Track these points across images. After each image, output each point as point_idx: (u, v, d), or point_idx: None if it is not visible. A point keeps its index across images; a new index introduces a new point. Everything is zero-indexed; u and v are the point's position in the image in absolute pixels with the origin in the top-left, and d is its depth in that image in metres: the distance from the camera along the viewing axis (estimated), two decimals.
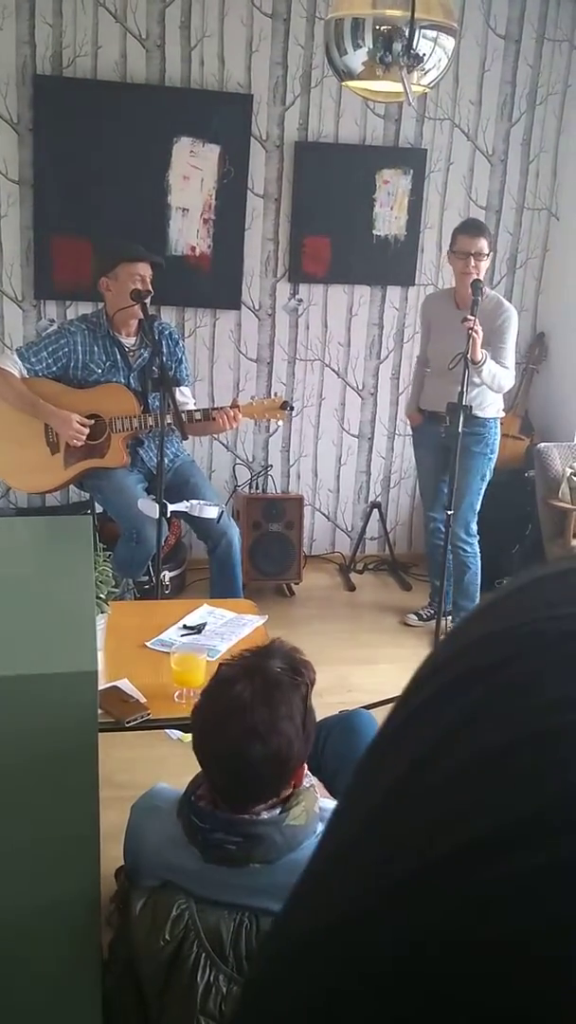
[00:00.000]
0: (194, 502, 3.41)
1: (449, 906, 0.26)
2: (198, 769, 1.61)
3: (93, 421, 3.59)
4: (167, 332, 3.76)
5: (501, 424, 4.01)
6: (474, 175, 4.70)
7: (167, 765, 2.66)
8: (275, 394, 4.48)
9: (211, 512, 3.44)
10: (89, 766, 1.57)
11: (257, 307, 4.61)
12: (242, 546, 3.91)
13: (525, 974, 0.24)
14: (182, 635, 2.62)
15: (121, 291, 3.52)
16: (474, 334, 3.49)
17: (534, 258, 4.89)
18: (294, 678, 1.58)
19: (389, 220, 4.61)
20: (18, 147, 4.16)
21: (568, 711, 0.27)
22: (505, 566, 4.28)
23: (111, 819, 1.76)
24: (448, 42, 2.55)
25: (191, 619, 2.72)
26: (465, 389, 3.49)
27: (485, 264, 3.76)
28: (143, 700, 2.23)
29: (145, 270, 3.54)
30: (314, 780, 1.67)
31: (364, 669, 3.74)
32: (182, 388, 3.72)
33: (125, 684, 2.30)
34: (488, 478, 3.97)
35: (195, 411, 3.61)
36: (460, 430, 3.52)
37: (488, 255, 3.77)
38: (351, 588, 4.75)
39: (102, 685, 2.13)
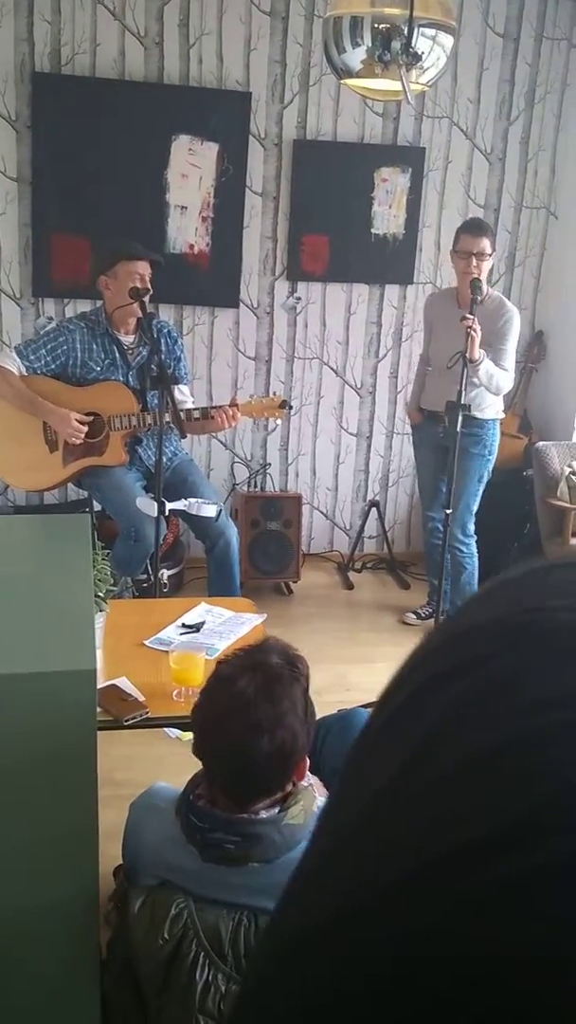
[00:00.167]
0: (192, 500, 3.41)
1: (448, 906, 0.26)
2: (197, 768, 1.61)
3: (92, 419, 3.59)
4: (166, 330, 3.76)
5: (500, 425, 4.00)
6: (472, 173, 4.70)
7: (166, 764, 2.67)
8: (273, 393, 4.47)
9: (209, 510, 3.45)
10: (88, 764, 1.57)
11: (256, 305, 4.60)
12: (240, 544, 3.91)
13: (523, 974, 0.24)
14: (180, 634, 2.62)
15: (120, 289, 3.51)
16: (472, 333, 3.49)
17: (532, 257, 4.89)
18: (293, 671, 1.59)
19: (387, 218, 4.61)
20: (16, 145, 4.15)
21: (551, 711, 0.27)
22: (504, 564, 4.22)
23: (110, 818, 1.76)
24: (447, 40, 2.55)
25: (189, 618, 2.72)
26: (464, 388, 3.49)
27: (487, 264, 3.74)
28: (142, 698, 2.24)
29: (144, 268, 3.54)
30: (313, 779, 1.67)
31: (362, 668, 3.74)
32: (181, 386, 3.72)
33: (124, 682, 2.30)
34: (486, 479, 3.96)
35: (194, 409, 3.61)
36: (459, 430, 3.52)
37: (490, 255, 3.75)
38: (349, 587, 4.75)
39: (101, 683, 2.13)
